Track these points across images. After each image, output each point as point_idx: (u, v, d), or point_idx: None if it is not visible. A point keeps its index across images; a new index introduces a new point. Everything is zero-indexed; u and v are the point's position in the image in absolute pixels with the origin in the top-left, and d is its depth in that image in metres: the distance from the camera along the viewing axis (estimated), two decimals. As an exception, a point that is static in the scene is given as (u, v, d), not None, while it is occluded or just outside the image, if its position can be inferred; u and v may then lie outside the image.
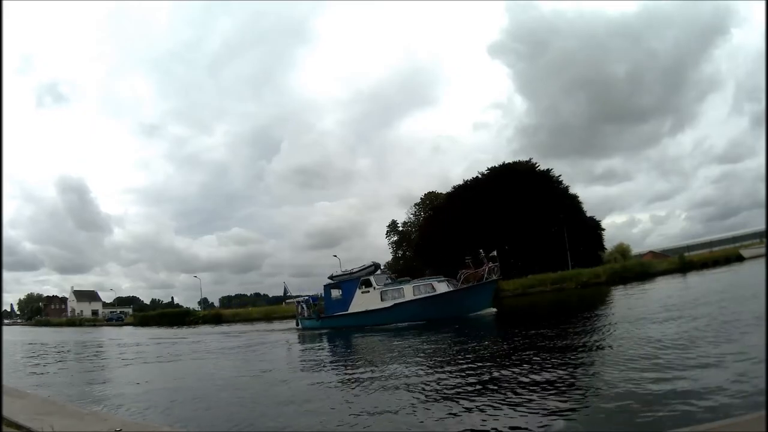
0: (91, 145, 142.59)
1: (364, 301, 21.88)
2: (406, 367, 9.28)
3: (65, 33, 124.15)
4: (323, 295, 24.78)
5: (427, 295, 20.53)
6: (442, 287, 20.80)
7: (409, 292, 21.02)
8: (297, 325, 25.38)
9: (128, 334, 36.80)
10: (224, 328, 35.81)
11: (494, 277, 20.78)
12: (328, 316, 23.45)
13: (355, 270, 23.31)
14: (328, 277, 24.51)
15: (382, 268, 23.23)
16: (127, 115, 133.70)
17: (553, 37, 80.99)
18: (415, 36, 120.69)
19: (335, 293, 23.63)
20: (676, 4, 71.30)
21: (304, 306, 25.61)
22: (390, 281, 23.36)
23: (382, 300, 21.40)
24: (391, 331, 17.98)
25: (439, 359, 10.39)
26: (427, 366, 9.45)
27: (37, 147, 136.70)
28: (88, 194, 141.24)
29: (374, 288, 21.87)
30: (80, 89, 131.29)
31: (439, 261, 46.52)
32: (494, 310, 20.62)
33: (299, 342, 19.79)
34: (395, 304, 20.82)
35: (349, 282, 22.85)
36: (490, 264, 20.74)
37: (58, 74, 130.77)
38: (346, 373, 9.95)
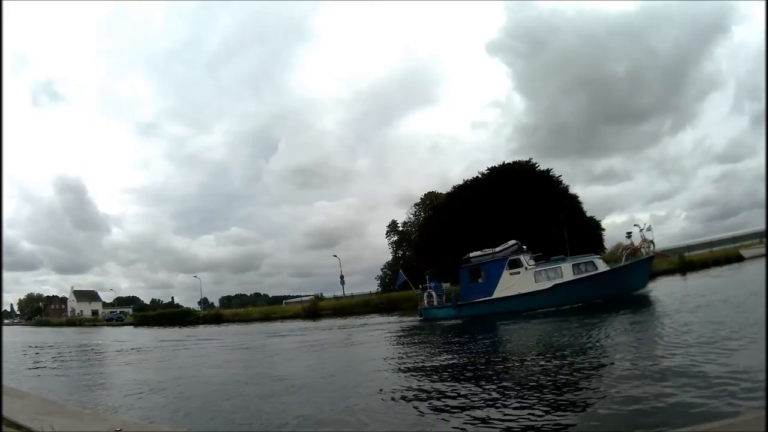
0: (89, 144, 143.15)
1: (513, 284, 19.59)
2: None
3: (60, 31, 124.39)
4: (460, 278, 22.00)
5: (589, 273, 18.57)
6: (601, 264, 19.09)
7: (568, 271, 18.94)
8: (420, 316, 22.89)
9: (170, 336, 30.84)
10: (321, 323, 30.07)
11: (652, 252, 18.92)
12: (466, 304, 20.87)
13: (497, 249, 21.03)
14: (463, 259, 22.19)
15: (524, 247, 21.10)
16: (125, 115, 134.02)
17: (552, 36, 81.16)
18: (414, 34, 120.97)
19: (473, 277, 21.23)
20: (677, 2, 71.21)
21: (433, 294, 22.75)
22: (533, 261, 20.81)
23: (536, 281, 19.30)
24: (558, 317, 15.71)
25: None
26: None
27: (34, 146, 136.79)
28: (85, 194, 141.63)
29: (526, 268, 19.70)
30: (77, 88, 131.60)
31: (440, 261, 46.71)
32: (651, 289, 18.90)
33: (457, 336, 15.05)
34: (555, 285, 18.70)
35: (493, 263, 20.46)
36: (645, 238, 18.77)
37: (53, 73, 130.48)
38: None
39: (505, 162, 47.95)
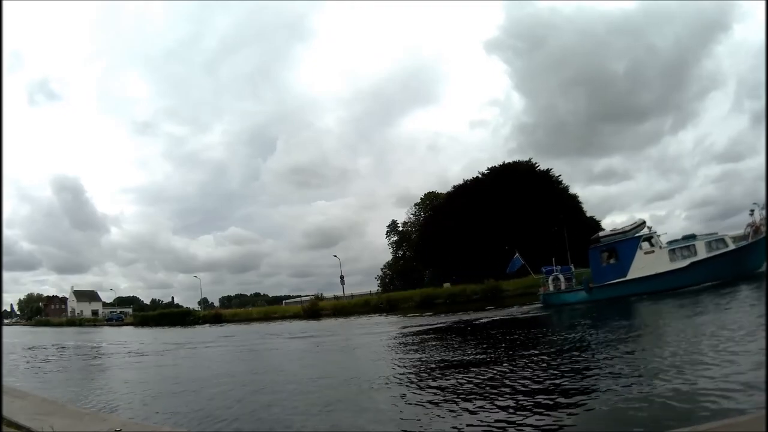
0: (87, 144, 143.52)
1: (648, 264, 18.66)
2: None
3: (56, 29, 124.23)
4: (590, 260, 20.70)
5: (722, 251, 17.90)
6: (730, 242, 18.36)
7: (702, 248, 18.17)
8: (542, 302, 21.53)
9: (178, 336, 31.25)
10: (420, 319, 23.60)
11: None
12: (599, 286, 19.64)
13: (627, 227, 20.00)
14: (592, 239, 21.09)
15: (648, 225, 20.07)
16: (123, 114, 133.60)
17: (551, 34, 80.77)
18: (413, 33, 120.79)
19: (607, 257, 20.14)
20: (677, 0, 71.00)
21: (561, 277, 21.42)
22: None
23: (670, 260, 18.49)
24: (691, 296, 15.08)
25: None
26: None
27: (31, 145, 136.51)
28: (83, 194, 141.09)
29: (660, 247, 18.92)
30: (74, 87, 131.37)
31: (440, 261, 46.79)
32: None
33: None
34: (692, 264, 17.88)
35: (626, 242, 19.42)
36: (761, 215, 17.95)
37: (49, 71, 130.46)
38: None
39: (505, 162, 48.20)
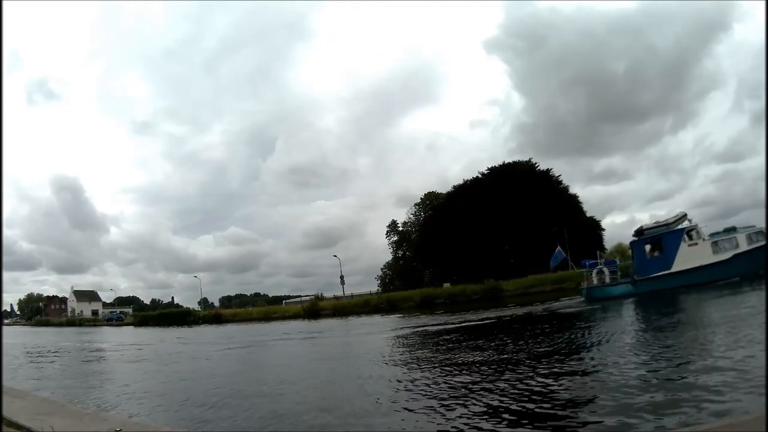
0: (87, 144, 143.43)
1: (691, 256, 18.57)
2: None
3: (54, 28, 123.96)
4: (634, 253, 20.56)
5: (761, 243, 17.79)
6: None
7: (743, 240, 18.26)
8: (582, 296, 21.19)
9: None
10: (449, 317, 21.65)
11: None
12: (645, 279, 19.43)
13: (671, 219, 19.94)
14: (635, 232, 20.83)
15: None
16: (123, 113, 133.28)
17: (550, 34, 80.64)
18: (413, 33, 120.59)
19: (651, 250, 19.97)
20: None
21: (605, 271, 21.08)
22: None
23: (713, 253, 18.41)
24: (732, 288, 15.06)
25: None
26: None
27: (30, 145, 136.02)
28: (83, 193, 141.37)
29: (703, 239, 18.85)
30: (74, 87, 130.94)
31: (440, 261, 46.80)
32: None
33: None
34: (735, 256, 17.91)
35: (670, 235, 19.33)
36: None
37: (48, 71, 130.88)
38: None
39: (505, 162, 48.26)
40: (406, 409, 6.21)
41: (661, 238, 19.64)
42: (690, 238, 19.07)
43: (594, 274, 21.35)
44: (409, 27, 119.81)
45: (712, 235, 19.46)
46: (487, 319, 18.49)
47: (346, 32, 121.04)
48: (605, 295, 20.11)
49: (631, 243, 20.99)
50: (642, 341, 9.22)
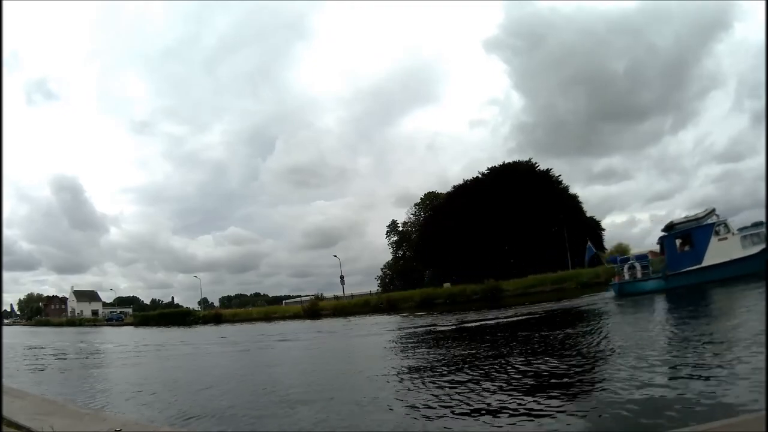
0: (86, 143, 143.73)
1: (722, 251, 18.70)
2: None
3: (53, 28, 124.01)
4: (665, 248, 20.44)
5: None
6: None
7: None
8: (611, 292, 21.07)
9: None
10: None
11: None
12: (676, 274, 19.45)
13: (701, 214, 20.02)
14: (665, 228, 20.90)
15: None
16: (122, 113, 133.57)
17: (550, 33, 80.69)
18: (413, 32, 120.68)
19: (682, 245, 19.99)
20: (677, -1, 70.83)
21: (637, 266, 20.95)
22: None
23: (743, 247, 18.55)
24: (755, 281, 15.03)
25: None
26: None
27: (29, 145, 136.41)
28: (82, 193, 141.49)
29: (733, 233, 19.01)
30: (73, 87, 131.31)
31: (440, 261, 46.81)
32: None
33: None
34: (762, 250, 18.03)
35: (701, 229, 19.38)
36: None
37: (47, 71, 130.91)
38: None
39: (505, 162, 48.25)
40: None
41: (692, 233, 19.67)
42: (719, 232, 19.15)
43: (626, 270, 21.28)
44: (409, 27, 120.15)
45: (740, 229, 19.58)
46: (514, 316, 18.13)
47: (346, 32, 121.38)
48: (637, 290, 20.11)
49: (661, 238, 21.03)
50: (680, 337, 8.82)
